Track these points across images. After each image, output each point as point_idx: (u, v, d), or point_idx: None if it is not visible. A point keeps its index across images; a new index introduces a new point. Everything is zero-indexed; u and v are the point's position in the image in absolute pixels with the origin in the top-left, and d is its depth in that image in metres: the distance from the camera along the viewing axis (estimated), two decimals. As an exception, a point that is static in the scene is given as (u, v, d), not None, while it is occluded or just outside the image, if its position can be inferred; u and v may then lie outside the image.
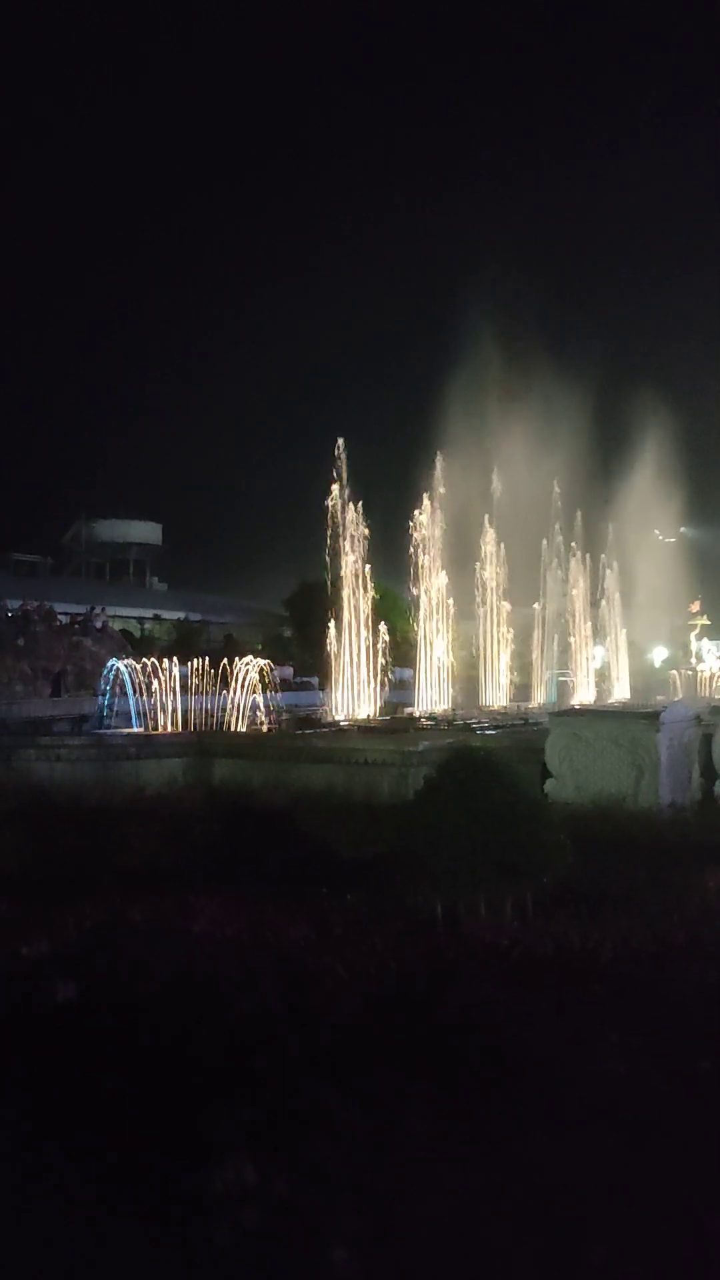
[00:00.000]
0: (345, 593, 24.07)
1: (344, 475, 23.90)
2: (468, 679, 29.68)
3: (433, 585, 27.58)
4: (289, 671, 45.43)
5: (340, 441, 23.97)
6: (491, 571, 29.83)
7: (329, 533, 23.90)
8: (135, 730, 17.92)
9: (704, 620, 64.06)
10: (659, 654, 56.66)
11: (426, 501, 27.22)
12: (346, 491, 23.99)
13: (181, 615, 55.77)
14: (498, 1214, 3.39)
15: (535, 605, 31.48)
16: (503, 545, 29.89)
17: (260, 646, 51.35)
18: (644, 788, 11.46)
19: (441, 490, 27.52)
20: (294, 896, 7.14)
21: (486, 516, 29.91)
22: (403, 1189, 3.55)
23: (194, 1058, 4.51)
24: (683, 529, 54.96)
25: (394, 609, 29.40)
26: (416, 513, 26.98)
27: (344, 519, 24.00)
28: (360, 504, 24.15)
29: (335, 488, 23.87)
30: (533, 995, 5.29)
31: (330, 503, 23.81)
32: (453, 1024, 4.89)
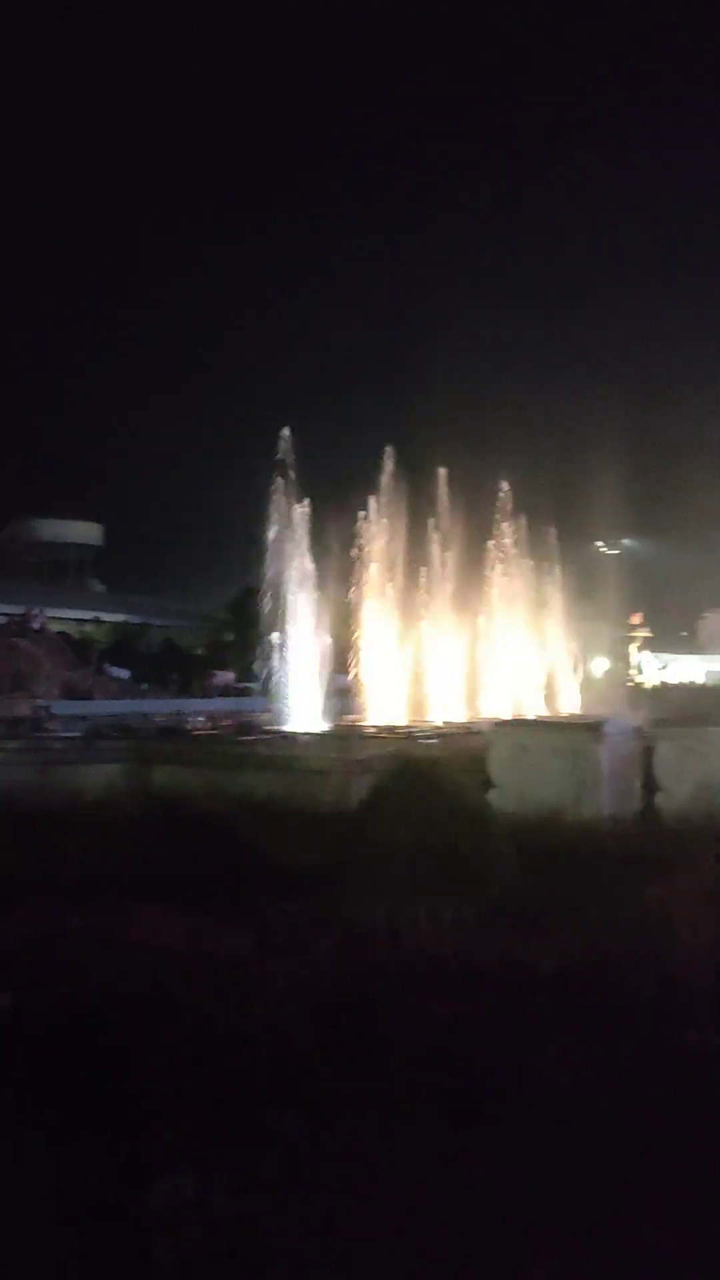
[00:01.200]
0: (288, 596, 23.93)
1: (290, 468, 23.48)
2: (412, 687, 29.79)
3: (377, 591, 27.60)
4: (230, 677, 45.22)
5: (285, 431, 23.57)
6: (437, 580, 29.95)
7: (272, 528, 23.58)
8: (74, 734, 17.69)
9: (645, 632, 64.98)
10: (599, 665, 57.37)
11: (373, 504, 27.17)
12: (290, 486, 23.65)
13: (121, 618, 55.22)
14: (438, 1228, 3.39)
15: (479, 617, 31.70)
16: (448, 554, 30.02)
17: (201, 651, 51.04)
18: (585, 799, 11.56)
19: (385, 500, 27.53)
20: (234, 906, 7.08)
21: (431, 522, 30.00)
22: (344, 1202, 3.53)
23: (132, 1069, 4.45)
24: (625, 541, 55.82)
25: (338, 614, 29.40)
26: (361, 514, 26.89)
27: (289, 514, 23.68)
28: (307, 500, 23.88)
29: (280, 479, 23.42)
30: (474, 1007, 5.30)
31: (274, 493, 23.36)
32: (394, 1035, 4.88)
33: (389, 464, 27.82)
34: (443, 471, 30.65)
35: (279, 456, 23.58)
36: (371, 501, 27.18)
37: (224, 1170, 3.74)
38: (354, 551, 26.97)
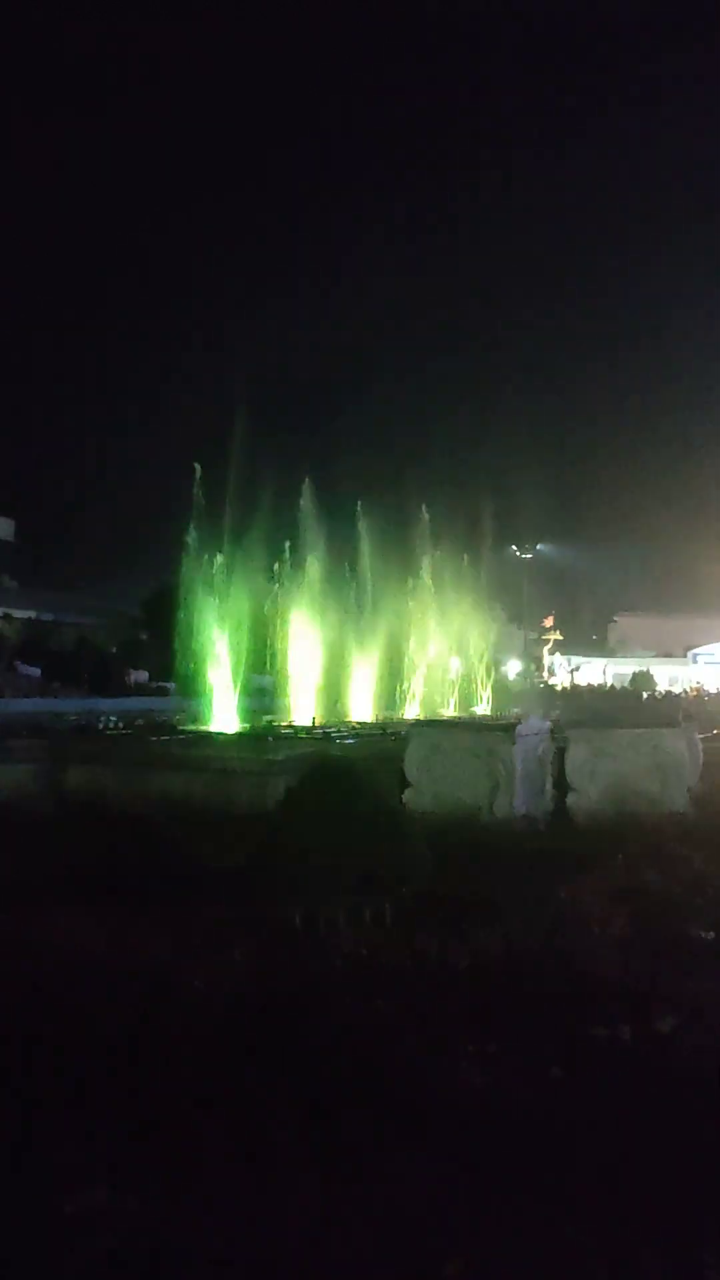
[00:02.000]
0: (203, 594, 23.75)
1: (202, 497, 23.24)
2: (330, 688, 29.83)
3: (296, 592, 27.57)
4: (144, 676, 44.67)
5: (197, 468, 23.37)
6: (356, 582, 30.03)
7: (193, 523, 23.34)
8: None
9: (556, 635, 66.14)
10: (513, 667, 58.14)
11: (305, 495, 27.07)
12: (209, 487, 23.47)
13: (32, 614, 54.16)
14: (359, 1227, 3.42)
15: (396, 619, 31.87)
16: (368, 555, 30.14)
17: (114, 649, 50.32)
18: (500, 798, 11.74)
19: (306, 505, 27.50)
20: (152, 908, 7.03)
21: (358, 522, 30.08)
22: (264, 1205, 3.54)
23: (49, 1075, 4.39)
24: (540, 546, 56.74)
25: (258, 613, 29.27)
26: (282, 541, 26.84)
27: (206, 512, 23.45)
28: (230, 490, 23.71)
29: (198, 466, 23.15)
30: (392, 1005, 5.36)
31: (195, 490, 23.11)
32: (313, 1036, 4.91)
33: (309, 482, 27.78)
34: (366, 472, 30.68)
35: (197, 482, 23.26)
36: (301, 504, 27.13)
37: (137, 1175, 3.72)
38: (275, 566, 26.91)
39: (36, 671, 41.57)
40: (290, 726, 22.93)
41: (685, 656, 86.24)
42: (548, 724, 13.90)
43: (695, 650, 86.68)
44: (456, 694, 35.53)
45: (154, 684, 43.21)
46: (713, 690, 58.46)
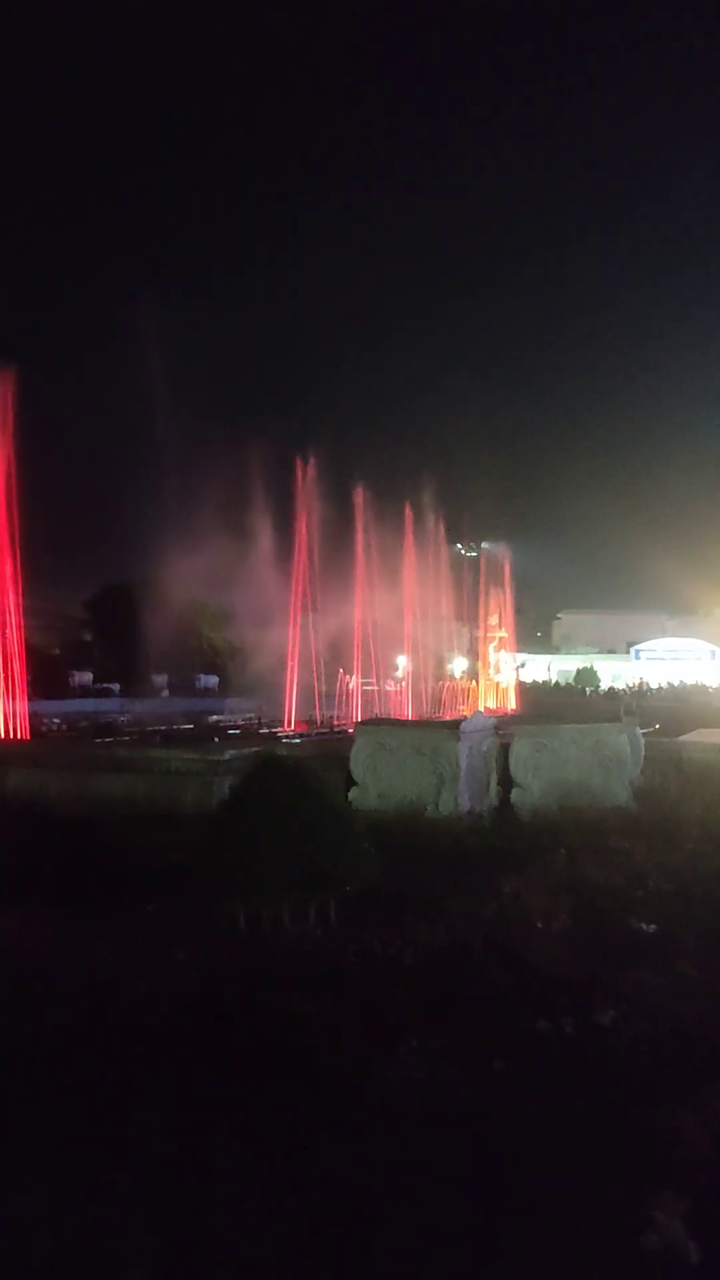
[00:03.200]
0: (155, 597, 23.61)
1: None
2: (275, 688, 29.77)
3: (246, 593, 27.52)
4: (88, 677, 44.24)
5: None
6: (303, 581, 30.01)
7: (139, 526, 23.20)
8: None
9: (502, 633, 66.56)
10: (458, 665, 58.46)
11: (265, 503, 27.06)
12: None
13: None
14: (300, 1223, 3.43)
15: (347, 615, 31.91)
16: (315, 555, 30.13)
17: (57, 651, 49.77)
18: (445, 796, 11.81)
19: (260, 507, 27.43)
20: (96, 910, 6.97)
21: (303, 523, 30.05)
22: (206, 1204, 3.53)
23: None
24: (484, 544, 57.01)
25: (203, 616, 29.16)
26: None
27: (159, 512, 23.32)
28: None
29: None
30: (336, 1002, 5.36)
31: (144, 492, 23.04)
32: (258, 1033, 4.90)
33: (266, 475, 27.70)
34: (311, 470, 30.67)
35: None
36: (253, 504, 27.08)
37: (80, 1176, 3.69)
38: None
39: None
40: (237, 726, 22.85)
41: (628, 652, 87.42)
42: (492, 721, 14.01)
43: (638, 646, 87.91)
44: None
45: (99, 685, 42.81)
46: (655, 686, 59.31)
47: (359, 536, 31.75)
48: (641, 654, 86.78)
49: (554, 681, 71.46)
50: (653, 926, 7.09)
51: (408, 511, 34.00)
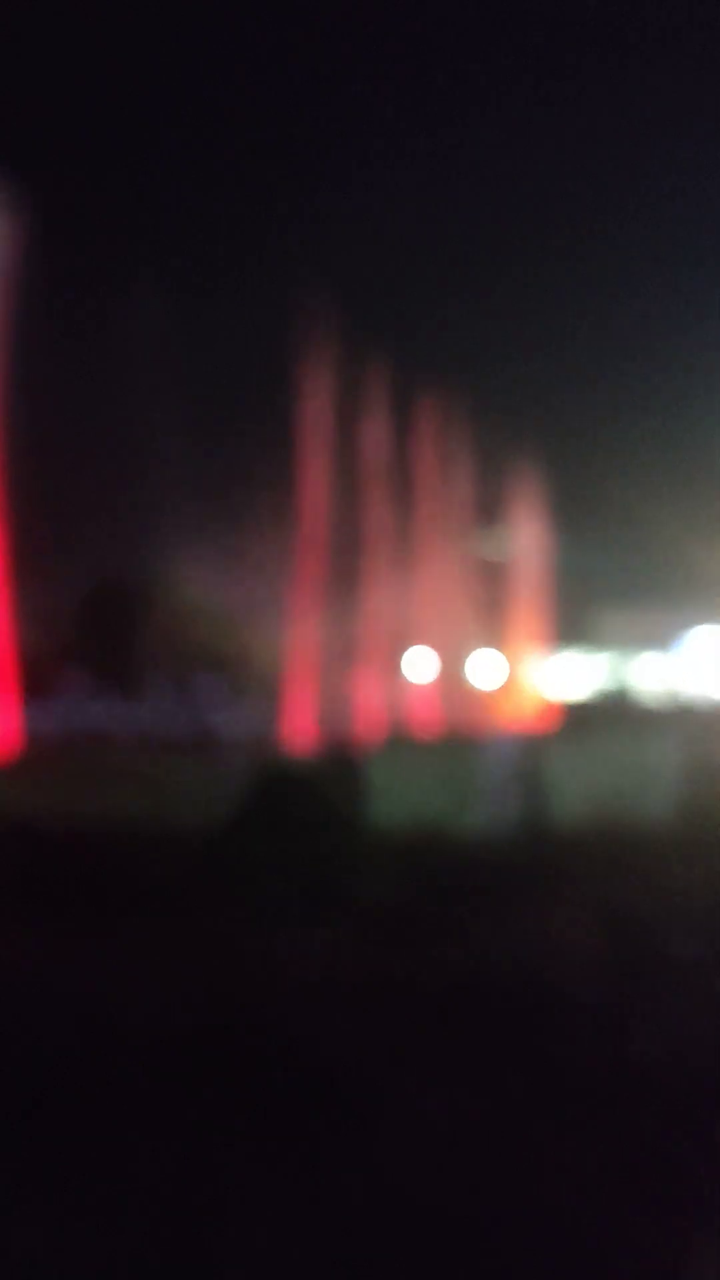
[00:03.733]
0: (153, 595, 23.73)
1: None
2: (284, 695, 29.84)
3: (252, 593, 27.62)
4: (82, 679, 44.24)
5: None
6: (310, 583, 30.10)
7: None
8: None
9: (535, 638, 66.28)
10: (489, 669, 58.30)
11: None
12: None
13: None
14: (311, 1246, 3.58)
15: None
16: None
17: (49, 652, 49.84)
18: (468, 809, 11.90)
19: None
20: (92, 927, 7.12)
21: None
22: (214, 1225, 3.69)
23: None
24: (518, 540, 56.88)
25: (202, 616, 29.28)
26: None
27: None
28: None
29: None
30: (351, 1025, 5.50)
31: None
32: (264, 1056, 5.06)
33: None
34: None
35: None
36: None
37: (81, 1203, 3.84)
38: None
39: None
40: (247, 737, 22.96)
41: (672, 651, 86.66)
42: (521, 732, 14.11)
43: (681, 645, 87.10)
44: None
45: (93, 687, 42.81)
46: (700, 691, 58.94)
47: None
48: (686, 653, 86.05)
49: (591, 684, 71.14)
50: (689, 948, 7.17)
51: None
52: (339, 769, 12.94)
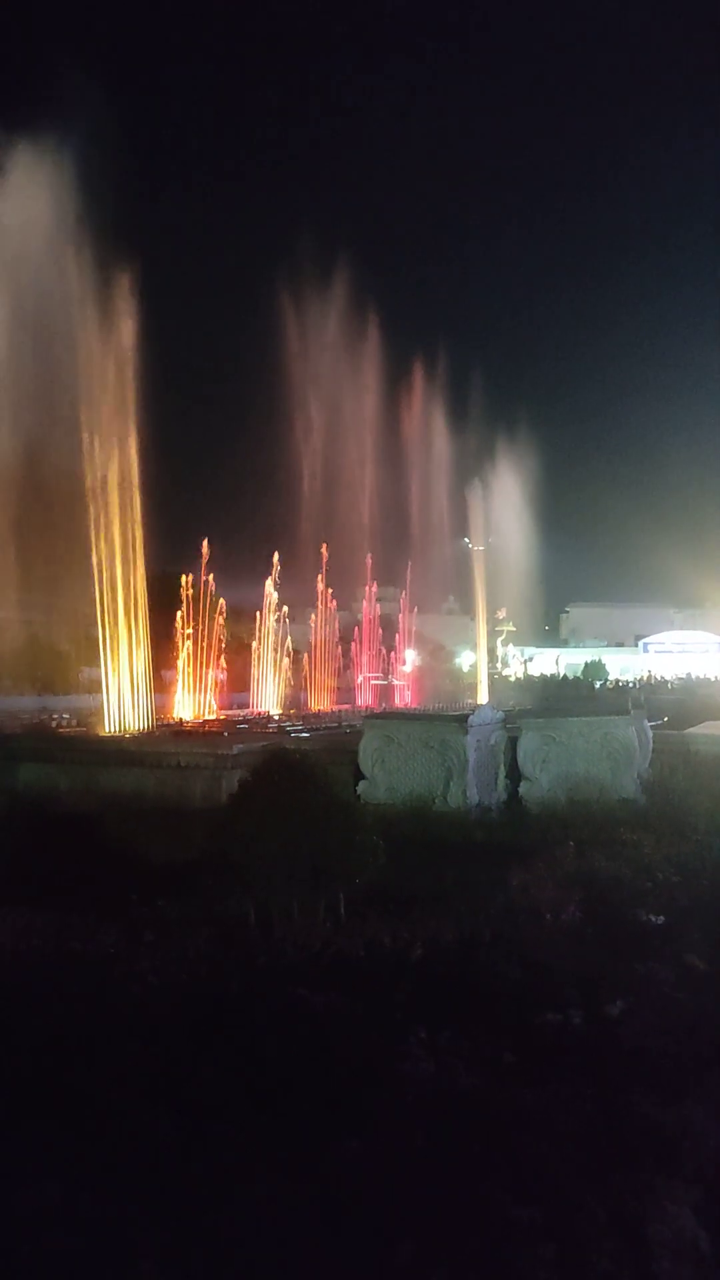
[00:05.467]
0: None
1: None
2: (286, 683, 29.80)
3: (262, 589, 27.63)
4: (98, 673, 44.22)
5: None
6: (318, 579, 30.06)
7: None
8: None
9: (510, 626, 66.41)
10: (466, 659, 58.39)
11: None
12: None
13: (-19, 612, 53.34)
14: (309, 1215, 3.43)
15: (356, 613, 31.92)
16: (328, 554, 30.17)
17: (67, 646, 49.76)
18: (453, 789, 11.80)
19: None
20: (103, 904, 6.98)
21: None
22: (215, 1196, 3.53)
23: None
24: (491, 537, 56.91)
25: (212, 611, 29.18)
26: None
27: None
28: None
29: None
30: (344, 996, 5.36)
31: None
32: (266, 1027, 4.90)
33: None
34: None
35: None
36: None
37: (93, 1171, 3.69)
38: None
39: (-14, 670, 41.04)
40: (246, 720, 22.86)
41: (636, 646, 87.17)
42: (500, 714, 13.98)
43: (646, 640, 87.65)
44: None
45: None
46: (662, 679, 59.20)
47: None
48: (650, 647, 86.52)
49: (562, 675, 71.36)
50: (661, 918, 7.07)
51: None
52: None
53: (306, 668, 33.38)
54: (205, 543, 28.20)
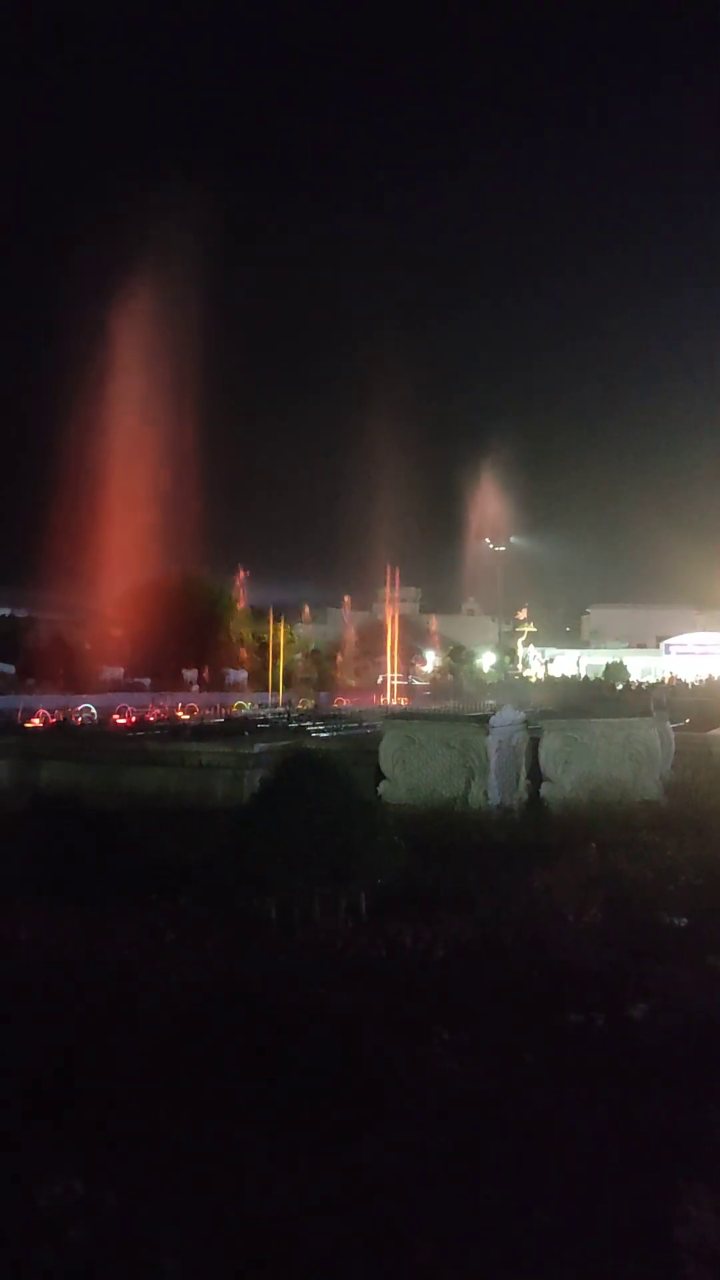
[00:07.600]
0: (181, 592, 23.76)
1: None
2: (306, 682, 29.86)
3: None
4: (119, 671, 44.55)
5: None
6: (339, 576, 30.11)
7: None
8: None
9: (530, 627, 66.26)
10: (487, 660, 58.33)
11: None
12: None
13: (6, 611, 53.85)
14: (329, 1214, 3.42)
15: (376, 612, 31.99)
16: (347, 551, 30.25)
17: (88, 646, 50.10)
18: (474, 789, 11.76)
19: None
20: (125, 903, 6.99)
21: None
22: (236, 1196, 3.53)
23: (18, 1070, 4.36)
24: (512, 538, 56.86)
25: (227, 609, 29.30)
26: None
27: None
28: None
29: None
30: (366, 996, 5.35)
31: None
32: (287, 1026, 4.90)
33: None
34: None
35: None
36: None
37: (112, 1168, 3.70)
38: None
39: (10, 669, 41.49)
40: (266, 719, 22.90)
41: (658, 647, 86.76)
42: (522, 715, 13.93)
43: (667, 641, 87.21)
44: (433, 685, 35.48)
45: (131, 679, 43.11)
46: (687, 680, 58.91)
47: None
48: (671, 648, 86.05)
49: (583, 676, 71.09)
50: (683, 920, 7.03)
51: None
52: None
53: (328, 667, 33.48)
54: (242, 573, 28.40)
